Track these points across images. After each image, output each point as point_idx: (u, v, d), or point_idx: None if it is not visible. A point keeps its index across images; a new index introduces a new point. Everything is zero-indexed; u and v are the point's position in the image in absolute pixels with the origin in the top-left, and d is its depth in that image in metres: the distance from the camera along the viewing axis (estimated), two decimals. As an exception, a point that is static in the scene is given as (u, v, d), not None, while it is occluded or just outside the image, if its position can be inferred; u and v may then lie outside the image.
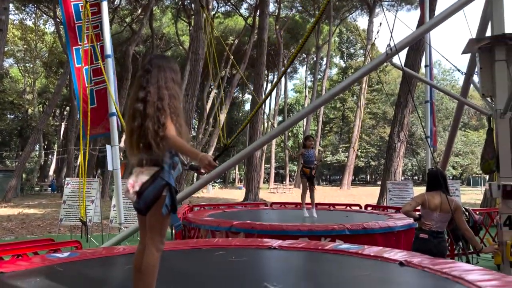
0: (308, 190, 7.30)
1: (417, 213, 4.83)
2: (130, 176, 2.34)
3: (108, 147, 5.50)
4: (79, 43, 5.51)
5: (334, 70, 55.08)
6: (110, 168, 5.52)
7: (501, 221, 4.39)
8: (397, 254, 3.54)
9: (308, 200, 7.43)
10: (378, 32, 5.94)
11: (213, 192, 32.62)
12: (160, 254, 2.26)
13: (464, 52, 4.83)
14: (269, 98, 43.76)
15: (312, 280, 2.99)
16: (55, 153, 44.85)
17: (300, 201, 7.69)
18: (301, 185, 7.14)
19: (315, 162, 7.17)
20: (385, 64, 4.54)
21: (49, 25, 38.23)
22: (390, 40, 4.69)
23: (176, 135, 2.18)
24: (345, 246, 3.94)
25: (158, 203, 2.20)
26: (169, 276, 3.03)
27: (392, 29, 4.48)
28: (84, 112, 5.57)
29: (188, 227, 6.67)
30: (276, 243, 4.12)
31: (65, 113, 43.54)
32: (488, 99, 4.62)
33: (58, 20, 26.03)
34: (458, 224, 4.44)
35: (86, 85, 5.59)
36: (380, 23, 5.52)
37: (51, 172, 46.10)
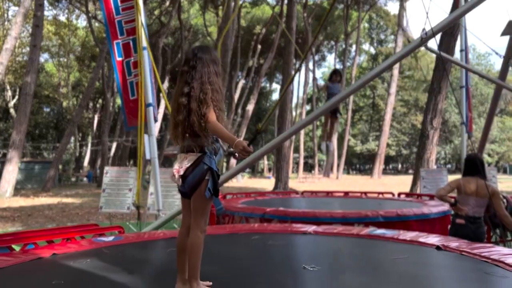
0: (329, 124, 7.39)
1: (453, 199, 4.79)
2: (175, 162, 2.47)
3: (145, 136, 5.69)
4: (119, 37, 5.69)
5: (364, 57, 54.07)
6: (148, 157, 5.71)
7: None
8: (434, 239, 3.54)
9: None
10: (407, 22, 5.84)
11: (243, 181, 32.92)
12: (204, 235, 2.37)
13: (503, 34, 4.71)
14: (297, 87, 43.56)
15: (349, 263, 3.05)
16: (89, 145, 46.25)
17: None
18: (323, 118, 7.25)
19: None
20: (417, 49, 4.48)
21: (81, 20, 39.27)
22: (425, 23, 4.61)
23: (217, 121, 2.28)
24: (380, 231, 3.96)
25: (202, 186, 2.31)
26: (209, 258, 3.16)
27: (428, 12, 4.41)
28: (125, 103, 5.77)
29: (223, 214, 6.83)
30: (311, 228, 4.18)
31: (97, 105, 44.73)
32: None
33: (90, 14, 26.66)
34: (496, 209, 4.38)
35: (127, 78, 5.78)
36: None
37: (85, 163, 47.63)
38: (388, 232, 3.86)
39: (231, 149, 2.48)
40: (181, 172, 2.34)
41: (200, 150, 2.33)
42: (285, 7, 25.53)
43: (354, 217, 5.49)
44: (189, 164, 2.32)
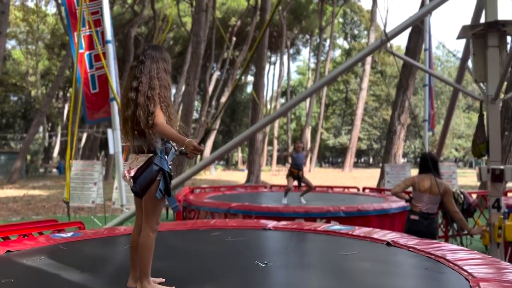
0: (293, 188, 7.47)
1: (408, 196, 4.99)
2: (126, 161, 2.50)
3: (109, 131, 5.65)
4: (82, 29, 5.60)
5: (338, 52, 54.66)
6: (111, 151, 5.67)
7: (490, 203, 4.54)
8: (386, 235, 3.69)
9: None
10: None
11: (216, 174, 32.92)
12: (155, 235, 2.41)
13: (458, 38, 4.90)
14: (271, 80, 43.68)
15: (301, 259, 3.16)
16: (59, 135, 45.15)
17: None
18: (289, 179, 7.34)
19: (304, 161, 7.40)
20: (389, 45, 4.62)
21: (51, 7, 38.07)
22: (384, 26, 4.75)
23: (165, 123, 2.31)
24: (336, 227, 4.09)
25: (153, 187, 2.34)
26: (167, 254, 3.20)
27: (386, 17, 4.54)
28: (86, 96, 5.71)
29: (189, 208, 6.87)
30: (270, 224, 4.28)
31: (68, 95, 43.65)
32: (481, 84, 4.71)
33: (59, 1, 25.92)
34: (447, 206, 4.59)
35: (88, 70, 5.71)
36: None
37: (55, 154, 46.51)
38: (344, 228, 4.00)
39: (182, 149, 2.53)
40: (132, 174, 2.36)
41: (150, 151, 2.36)
42: (260, 0, 25.49)
43: (316, 212, 5.64)
44: (140, 165, 2.35)
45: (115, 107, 5.64)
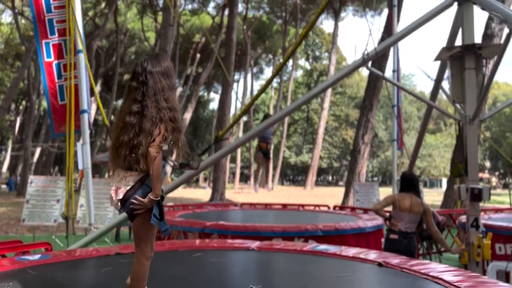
0: (263, 165, 7.61)
1: (388, 214, 4.99)
2: (113, 179, 2.22)
3: (78, 145, 5.31)
4: (49, 37, 5.29)
5: (300, 72, 55.73)
6: (80, 166, 5.33)
7: (468, 222, 4.59)
8: (374, 255, 3.62)
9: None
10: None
11: (177, 191, 32.17)
12: (149, 262, 2.20)
13: (436, 59, 5.02)
14: (234, 98, 43.83)
15: (294, 282, 3.01)
16: (9, 150, 42.86)
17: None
18: (257, 159, 7.46)
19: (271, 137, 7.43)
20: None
21: (6, 16, 36.50)
22: (367, 45, 4.80)
23: (159, 163, 2.08)
24: (322, 247, 3.99)
25: (145, 212, 2.09)
26: (151, 279, 2.96)
27: (370, 34, 4.59)
28: (53, 108, 5.36)
29: (158, 228, 6.55)
30: (253, 244, 4.11)
31: (21, 108, 41.68)
32: (458, 105, 4.82)
33: (16, 10, 24.89)
34: (429, 226, 4.61)
35: (56, 81, 5.38)
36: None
37: (4, 169, 44.05)
38: (331, 248, 3.90)
39: (182, 161, 2.33)
40: (120, 196, 2.09)
41: (143, 169, 2.09)
42: (225, 18, 25.64)
43: (294, 231, 5.52)
44: (130, 185, 2.10)
45: (85, 120, 5.33)
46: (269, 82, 6.68)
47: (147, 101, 2.11)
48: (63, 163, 26.44)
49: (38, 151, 33.77)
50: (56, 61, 5.71)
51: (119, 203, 2.10)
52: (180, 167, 2.35)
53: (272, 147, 7.50)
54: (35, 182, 7.27)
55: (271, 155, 7.52)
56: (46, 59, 5.72)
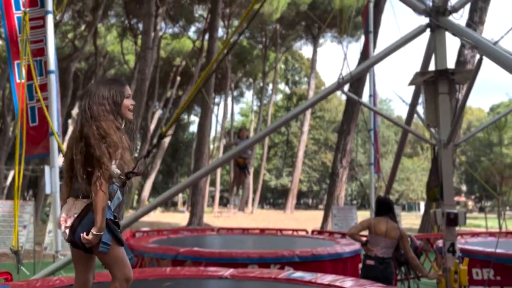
0: (238, 179, 7.60)
1: (364, 238, 4.92)
2: (63, 207, 2.16)
3: (46, 168, 5.11)
4: (23, 57, 5.16)
5: (279, 96, 56.31)
6: (48, 191, 5.11)
7: (445, 248, 4.55)
8: (350, 283, 3.53)
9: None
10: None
11: (155, 215, 31.52)
12: (129, 284, 2.09)
13: (410, 84, 5.07)
14: (215, 121, 43.81)
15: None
16: (-19, 172, 41.45)
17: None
18: (232, 173, 7.40)
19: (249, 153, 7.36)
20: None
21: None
22: (342, 69, 4.82)
23: (104, 193, 2.00)
24: (298, 274, 3.87)
25: (93, 239, 2.04)
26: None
27: (345, 59, 4.62)
28: (24, 130, 5.19)
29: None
30: (227, 272, 3.96)
31: (-5, 129, 40.61)
32: (432, 129, 4.85)
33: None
34: (405, 252, 4.55)
35: (28, 102, 5.22)
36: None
37: (-25, 193, 42.47)
38: (306, 276, 3.78)
39: (129, 172, 2.24)
40: (68, 223, 2.03)
41: (89, 196, 2.05)
42: (205, 43, 25.83)
43: (271, 257, 5.39)
44: (78, 212, 2.03)
45: (55, 143, 5.15)
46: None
47: (87, 127, 2.08)
48: (38, 187, 25.72)
49: (11, 174, 32.79)
50: (28, 82, 5.55)
51: (67, 232, 2.03)
52: (127, 177, 2.25)
53: (251, 162, 7.48)
54: (1, 207, 6.95)
55: (250, 171, 7.50)
56: (18, 80, 5.57)
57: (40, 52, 5.39)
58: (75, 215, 2.06)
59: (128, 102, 2.21)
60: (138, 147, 35.77)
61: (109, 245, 2.04)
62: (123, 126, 2.21)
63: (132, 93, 2.50)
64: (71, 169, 2.11)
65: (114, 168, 2.11)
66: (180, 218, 27.76)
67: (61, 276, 4.35)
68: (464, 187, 52.89)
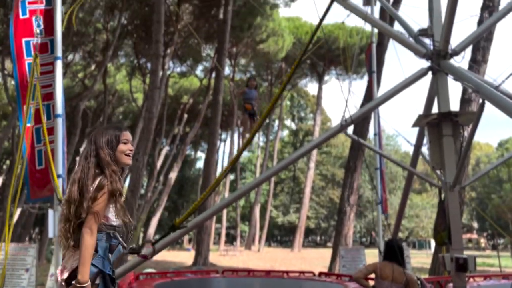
0: (249, 126, 7.52)
1: (372, 283, 4.78)
2: (63, 258, 2.13)
3: (50, 212, 5.10)
4: (31, 102, 5.26)
5: (285, 132, 56.62)
6: (51, 235, 5.07)
7: (455, 294, 4.41)
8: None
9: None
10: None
11: (160, 254, 31.08)
12: None
13: (413, 126, 5.07)
14: (221, 157, 43.95)
15: None
16: (-12, 210, 41.49)
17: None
18: (242, 122, 7.36)
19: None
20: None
21: (-5, 76, 36.91)
22: (344, 112, 4.84)
23: (89, 243, 1.98)
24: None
25: None
26: None
27: (347, 101, 4.65)
28: (30, 173, 5.22)
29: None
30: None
31: (4, 167, 40.99)
32: (438, 171, 4.81)
33: (6, 72, 25.25)
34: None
35: (35, 145, 5.28)
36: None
37: (-19, 231, 42.35)
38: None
39: (134, 246, 2.22)
40: (65, 276, 1.99)
41: None
42: (212, 81, 26.30)
43: (276, 303, 5.23)
44: (75, 265, 1.98)
45: (59, 185, 5.15)
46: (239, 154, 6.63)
47: (80, 173, 2.11)
48: (44, 225, 25.58)
49: (18, 212, 32.77)
50: (36, 126, 5.63)
51: (63, 284, 1.98)
52: (130, 253, 2.22)
53: (258, 108, 7.47)
54: (4, 249, 6.88)
55: (257, 115, 7.47)
56: (27, 124, 5.65)
57: (48, 97, 5.50)
58: (72, 268, 2.00)
59: (125, 147, 2.21)
60: (145, 184, 35.82)
61: None
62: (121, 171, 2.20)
63: (139, 131, 2.51)
64: (67, 221, 2.09)
65: (113, 218, 2.09)
66: (185, 256, 27.33)
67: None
68: (475, 224, 51.83)
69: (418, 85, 5.21)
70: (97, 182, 2.03)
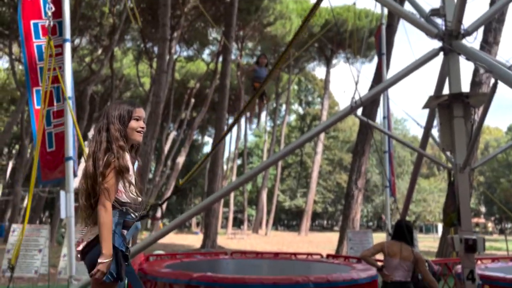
0: (257, 105, 7.47)
1: (380, 264, 4.81)
2: (82, 230, 2.18)
3: (62, 193, 5.16)
4: (40, 84, 5.28)
5: (293, 117, 56.41)
6: (63, 216, 5.15)
7: (464, 275, 4.42)
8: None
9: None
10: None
11: (168, 237, 31.45)
12: None
13: (424, 107, 5.03)
14: (228, 141, 44.01)
15: None
16: (-1, 194, 42.17)
17: None
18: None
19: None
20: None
21: (3, 62, 37.11)
22: (354, 93, 4.81)
23: (106, 218, 2.00)
24: (312, 302, 3.79)
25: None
26: None
27: (357, 83, 4.61)
28: (41, 155, 5.27)
29: (144, 279, 6.28)
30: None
31: (13, 151, 41.45)
32: (448, 153, 4.78)
33: (13, 56, 25.31)
34: (423, 275, 4.43)
35: (45, 128, 5.32)
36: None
37: (-8, 215, 43.13)
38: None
39: (144, 212, 2.24)
40: (80, 247, 2.05)
41: None
42: (219, 65, 26.19)
43: (285, 284, 5.29)
44: (91, 239, 2.03)
45: (70, 167, 5.21)
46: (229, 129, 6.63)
47: (93, 147, 2.14)
48: (54, 208, 25.97)
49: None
50: (46, 108, 5.67)
51: (79, 255, 2.04)
52: (141, 218, 2.25)
53: (267, 88, 7.41)
54: (17, 231, 7.03)
55: (265, 96, 7.41)
56: (37, 107, 5.68)
57: (56, 79, 5.52)
58: (88, 240, 2.06)
59: (136, 124, 2.20)
60: (153, 168, 36.06)
61: (113, 278, 2.01)
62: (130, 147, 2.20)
63: (146, 116, 2.53)
64: (87, 196, 2.11)
65: (124, 195, 2.10)
66: (193, 240, 27.65)
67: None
68: (483, 208, 51.70)
69: (426, 69, 5.15)
70: (105, 158, 2.04)
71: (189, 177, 4.14)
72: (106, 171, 2.01)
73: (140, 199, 2.19)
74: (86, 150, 5.07)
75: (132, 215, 2.13)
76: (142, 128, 2.23)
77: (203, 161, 4.45)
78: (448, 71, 4.73)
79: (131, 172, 2.11)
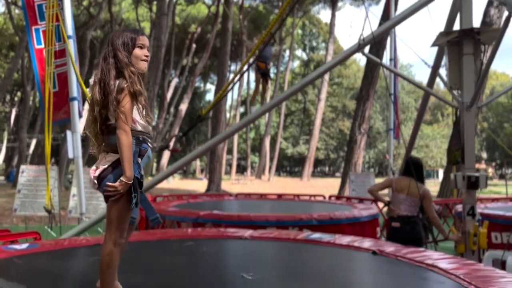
0: (261, 86, 7.34)
1: (387, 200, 4.90)
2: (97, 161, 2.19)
3: (68, 133, 5.20)
4: (39, 23, 5.15)
5: (296, 63, 55.46)
6: (70, 155, 5.22)
7: (464, 211, 4.53)
8: (369, 243, 3.55)
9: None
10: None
11: (174, 183, 32.12)
12: (119, 249, 2.10)
13: (433, 45, 4.92)
14: (231, 89, 43.62)
15: (287, 270, 2.94)
16: (5, 141, 42.63)
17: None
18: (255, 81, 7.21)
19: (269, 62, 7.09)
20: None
21: (-1, 5, 36.01)
22: (362, 29, 4.69)
23: (126, 140, 1.99)
24: (316, 235, 3.92)
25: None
26: (136, 268, 2.89)
27: (366, 18, 4.48)
28: (44, 96, 5.25)
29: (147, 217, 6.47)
30: (247, 233, 4.04)
31: (15, 99, 41.38)
32: (455, 92, 4.73)
33: (9, 0, 24.55)
34: (427, 211, 4.51)
35: (47, 68, 5.25)
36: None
37: (0, 161, 43.88)
38: (325, 237, 3.83)
39: (163, 144, 2.25)
40: (97, 173, 2.06)
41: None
42: (221, 8, 25.36)
43: (289, 221, 5.44)
44: (107, 165, 2.05)
45: (75, 107, 5.21)
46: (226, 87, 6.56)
47: (100, 74, 2.09)
48: (59, 154, 26.30)
49: (33, 142, 33.58)
50: (47, 48, 5.56)
51: (95, 182, 2.06)
52: (160, 149, 2.25)
53: (270, 67, 7.25)
54: (26, 172, 7.17)
55: (270, 78, 7.33)
56: (37, 46, 5.58)
57: (57, 17, 5.37)
58: (105, 166, 2.06)
59: (140, 52, 2.16)
60: (156, 115, 36.07)
61: (133, 203, 2.05)
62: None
63: (150, 49, 2.46)
64: (95, 123, 2.10)
65: (139, 122, 2.10)
66: (198, 185, 28.20)
67: (86, 236, 4.51)
68: (484, 154, 52.08)
69: (433, 13, 4.98)
70: (116, 84, 2.01)
71: (212, 106, 4.16)
72: (120, 96, 1.99)
73: (150, 127, 2.19)
74: (88, 93, 5.05)
75: (148, 143, 2.14)
76: (147, 56, 2.19)
77: (225, 89, 4.39)
78: (460, 6, 4.57)
79: (144, 96, 2.10)
